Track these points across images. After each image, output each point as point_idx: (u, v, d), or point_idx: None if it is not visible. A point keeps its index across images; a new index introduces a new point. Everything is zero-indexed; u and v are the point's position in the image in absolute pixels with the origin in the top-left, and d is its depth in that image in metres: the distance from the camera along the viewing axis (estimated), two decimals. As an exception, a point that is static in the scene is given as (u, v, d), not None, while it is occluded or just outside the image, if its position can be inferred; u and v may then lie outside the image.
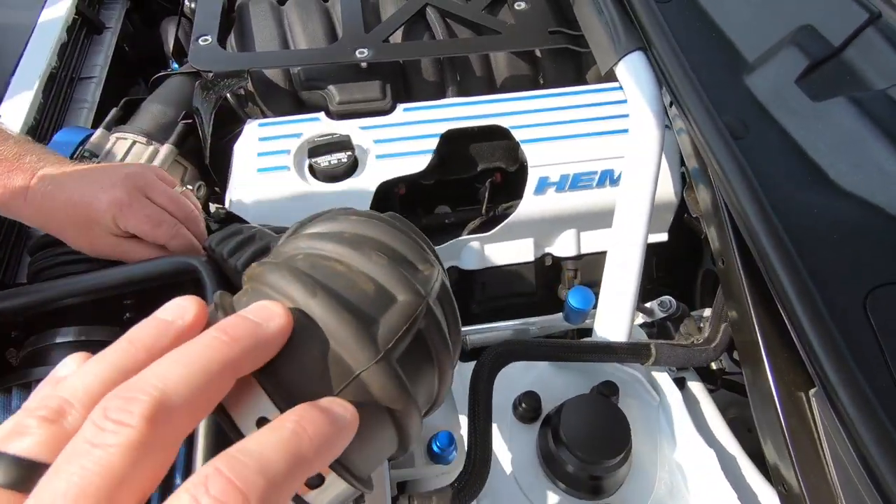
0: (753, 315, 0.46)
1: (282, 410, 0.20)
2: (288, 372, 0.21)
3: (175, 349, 0.20)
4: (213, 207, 0.72)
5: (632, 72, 0.61)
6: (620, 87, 0.72)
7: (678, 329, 0.67)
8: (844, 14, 0.54)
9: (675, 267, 0.82)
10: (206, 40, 0.68)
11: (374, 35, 0.70)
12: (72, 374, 0.20)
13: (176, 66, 0.91)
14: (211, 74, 0.67)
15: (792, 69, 0.54)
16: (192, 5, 1.01)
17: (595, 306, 0.59)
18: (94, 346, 0.60)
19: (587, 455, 0.45)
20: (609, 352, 0.52)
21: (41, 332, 0.57)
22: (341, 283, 0.24)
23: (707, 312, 0.71)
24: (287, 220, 0.60)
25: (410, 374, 0.24)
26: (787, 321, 0.43)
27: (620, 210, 0.58)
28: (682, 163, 0.60)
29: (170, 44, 1.01)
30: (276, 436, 0.18)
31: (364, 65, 0.69)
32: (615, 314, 0.56)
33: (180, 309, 0.22)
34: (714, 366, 0.69)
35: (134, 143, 0.67)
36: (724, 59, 0.60)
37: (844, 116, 0.51)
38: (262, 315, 0.21)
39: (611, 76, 0.79)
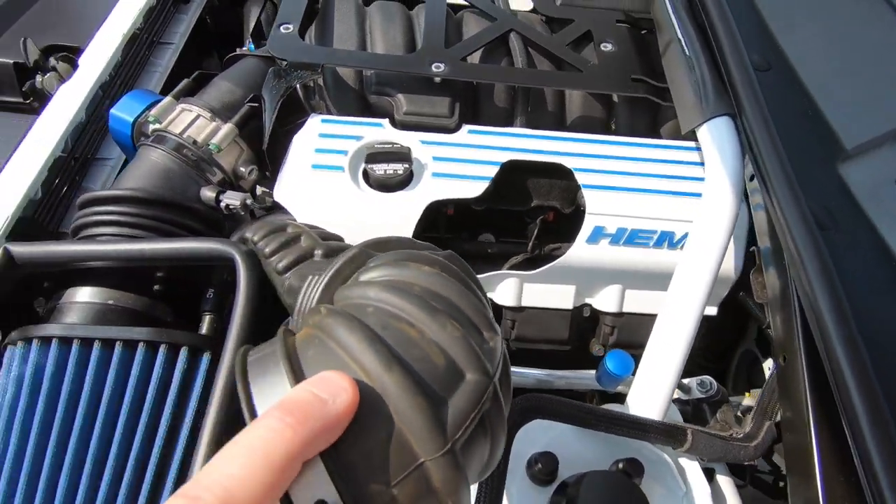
0: (812, 421, 0.42)
1: (342, 497, 0.19)
2: (353, 454, 0.20)
3: (242, 436, 0.18)
4: (259, 190, 0.72)
5: (716, 137, 0.58)
6: (696, 149, 0.69)
7: (714, 414, 0.62)
8: (964, 118, 0.50)
9: (711, 339, 0.78)
10: (287, 28, 0.67)
11: (453, 51, 0.69)
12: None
13: (252, 47, 0.91)
14: (285, 63, 0.67)
15: (892, 167, 0.50)
16: (279, -9, 1.02)
17: (633, 373, 0.56)
18: (116, 312, 0.59)
19: (602, 540, 0.41)
20: (642, 429, 0.48)
21: (69, 288, 0.57)
22: (415, 355, 0.23)
23: (746, 401, 0.66)
24: (332, 221, 0.59)
25: (468, 457, 0.22)
26: (850, 438, 0.39)
27: (680, 277, 0.55)
28: (753, 241, 0.57)
29: (251, 24, 1.03)
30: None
31: (437, 79, 0.68)
32: (654, 388, 0.52)
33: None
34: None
35: (198, 116, 0.68)
36: (818, 140, 0.56)
37: (947, 228, 0.46)
38: (330, 389, 0.20)
39: (687, 135, 0.75)
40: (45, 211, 0.71)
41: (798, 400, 0.44)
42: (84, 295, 0.56)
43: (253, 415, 0.21)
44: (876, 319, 0.44)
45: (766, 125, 0.54)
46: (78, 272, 0.57)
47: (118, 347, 0.51)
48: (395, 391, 0.21)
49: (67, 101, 0.76)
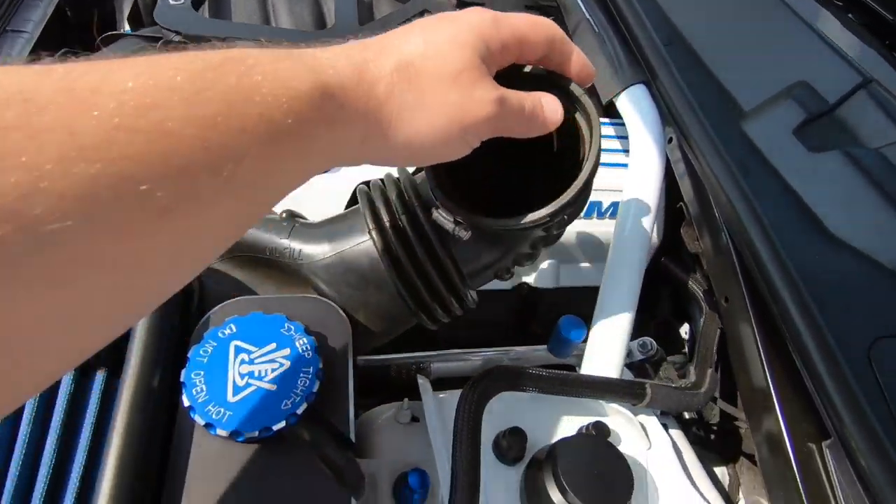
0: (763, 359, 0.43)
1: None
2: None
3: None
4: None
5: (634, 103, 0.60)
6: (611, 124, 0.72)
7: (657, 373, 0.64)
8: (838, 75, 0.57)
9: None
10: (177, 0, 0.60)
11: (368, 29, 0.65)
12: None
13: (129, 31, 0.80)
14: (177, 37, 0.59)
15: (790, 120, 0.56)
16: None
17: (584, 340, 0.55)
18: None
19: (588, 502, 0.39)
20: (606, 389, 0.47)
21: None
22: None
23: (679, 359, 0.69)
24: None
25: None
26: (801, 368, 0.41)
27: (619, 239, 0.55)
28: (680, 199, 0.59)
29: (125, 11, 0.91)
30: None
31: (354, 57, 0.64)
32: (608, 349, 0.52)
33: None
34: (687, 415, 0.66)
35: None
36: (721, 105, 0.60)
37: (840, 170, 0.52)
38: None
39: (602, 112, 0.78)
40: None
41: (745, 337, 0.46)
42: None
43: None
44: (795, 254, 0.47)
45: (680, 89, 0.58)
46: None
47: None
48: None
49: None
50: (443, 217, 0.36)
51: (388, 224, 0.39)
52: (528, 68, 0.34)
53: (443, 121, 0.26)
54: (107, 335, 0.19)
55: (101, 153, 0.15)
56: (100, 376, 0.42)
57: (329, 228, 0.45)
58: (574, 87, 0.34)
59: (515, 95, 0.29)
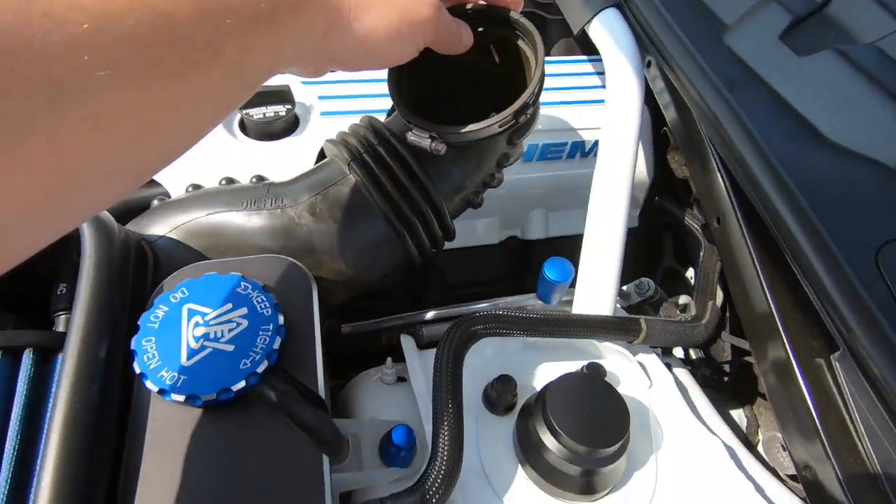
0: (761, 277, 0.40)
1: None
2: None
3: None
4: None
5: (607, 28, 0.56)
6: (589, 60, 0.68)
7: (657, 313, 0.61)
8: (824, -29, 0.52)
9: (635, 261, 0.77)
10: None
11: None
12: None
13: None
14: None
15: (775, 26, 0.51)
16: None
17: (572, 285, 0.52)
18: None
19: (583, 442, 0.36)
20: (595, 327, 0.45)
21: None
22: None
23: (683, 300, 0.66)
24: (209, 182, 0.50)
25: None
26: (803, 280, 0.38)
27: (601, 173, 0.52)
28: (664, 124, 0.56)
29: None
30: None
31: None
32: (598, 287, 0.49)
33: None
34: (693, 354, 0.63)
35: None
36: (700, 21, 0.56)
37: (832, 70, 0.48)
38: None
39: (574, 50, 0.75)
40: None
41: (741, 259, 0.43)
42: None
43: None
44: (791, 164, 0.43)
45: (655, 8, 0.54)
46: None
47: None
48: None
49: None
50: (417, 136, 0.38)
51: (365, 155, 0.41)
52: (469, 6, 0.38)
53: (394, 17, 0.30)
54: (120, 188, 0.22)
55: (124, 17, 0.18)
56: (61, 359, 0.41)
57: (306, 180, 0.44)
58: (512, 13, 0.37)
59: (448, 14, 0.34)
